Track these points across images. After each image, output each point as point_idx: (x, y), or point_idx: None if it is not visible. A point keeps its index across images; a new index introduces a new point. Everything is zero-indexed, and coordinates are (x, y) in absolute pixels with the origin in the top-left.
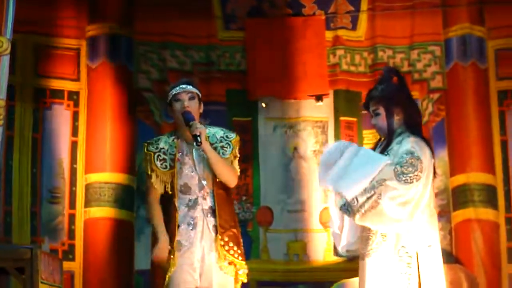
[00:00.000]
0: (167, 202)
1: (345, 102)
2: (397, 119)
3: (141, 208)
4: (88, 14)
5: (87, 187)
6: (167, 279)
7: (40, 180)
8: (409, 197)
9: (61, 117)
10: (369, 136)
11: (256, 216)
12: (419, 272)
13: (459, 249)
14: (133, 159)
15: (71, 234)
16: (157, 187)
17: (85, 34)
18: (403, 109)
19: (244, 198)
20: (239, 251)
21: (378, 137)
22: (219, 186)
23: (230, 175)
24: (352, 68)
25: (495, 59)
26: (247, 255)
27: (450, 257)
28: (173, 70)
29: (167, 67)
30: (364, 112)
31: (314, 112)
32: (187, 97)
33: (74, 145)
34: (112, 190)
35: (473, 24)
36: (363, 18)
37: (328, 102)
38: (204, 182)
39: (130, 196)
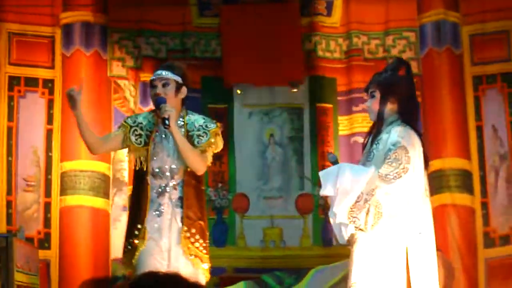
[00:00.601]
0: (139, 184)
1: (321, 89)
2: (390, 107)
3: (117, 196)
4: (62, 1)
5: (63, 175)
6: (136, 257)
7: (15, 169)
8: (403, 191)
9: (36, 105)
10: (345, 123)
11: (232, 203)
12: (407, 259)
13: (435, 235)
14: None
15: (47, 222)
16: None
17: (60, 22)
18: (399, 100)
19: (220, 185)
20: (204, 245)
21: (356, 123)
22: (190, 176)
23: (197, 163)
24: (328, 55)
25: (469, 44)
26: (223, 242)
27: None
28: (148, 57)
29: (141, 55)
30: (340, 98)
31: (290, 99)
32: (160, 84)
33: (49, 133)
34: (87, 178)
35: (447, 10)
36: (338, 4)
37: (303, 89)
38: (176, 171)
39: (106, 184)
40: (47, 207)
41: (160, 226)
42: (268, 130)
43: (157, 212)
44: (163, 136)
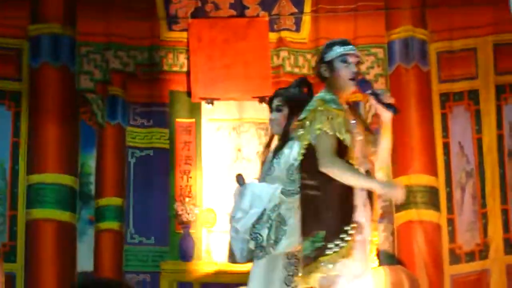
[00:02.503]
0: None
1: None
2: (294, 123)
3: (84, 209)
4: (30, 14)
5: (29, 188)
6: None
7: None
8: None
9: (2, 117)
10: None
11: (199, 217)
12: None
13: (401, 251)
14: (76, 160)
15: (13, 235)
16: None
17: (27, 34)
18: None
19: (187, 199)
20: None
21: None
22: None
23: (390, 152)
24: (296, 70)
25: (437, 61)
26: (190, 257)
27: (392, 259)
28: (116, 71)
29: (109, 68)
30: None
31: (258, 114)
32: (355, 61)
33: (15, 146)
34: (54, 191)
35: (415, 27)
36: (307, 20)
37: None
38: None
39: (73, 197)
40: (13, 220)
41: (368, 218)
42: (235, 145)
43: (365, 205)
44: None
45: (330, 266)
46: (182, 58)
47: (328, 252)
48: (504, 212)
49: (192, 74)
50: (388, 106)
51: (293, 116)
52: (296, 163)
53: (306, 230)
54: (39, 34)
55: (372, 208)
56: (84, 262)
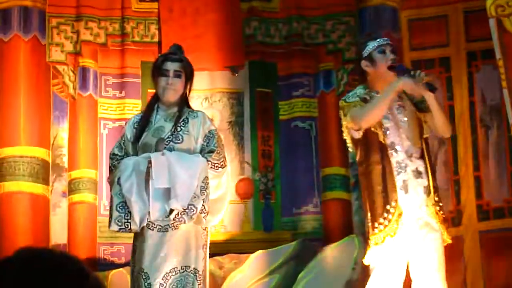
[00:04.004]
0: (382, 158)
1: (261, 74)
2: (185, 92)
3: (57, 181)
4: None
5: (1, 161)
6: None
7: None
8: (227, 180)
9: None
10: (285, 107)
11: None
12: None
13: None
14: (48, 132)
15: None
16: None
17: None
18: (190, 86)
19: None
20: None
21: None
22: (425, 144)
23: (447, 124)
24: (267, 39)
25: (408, 29)
26: None
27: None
28: (87, 42)
29: (80, 40)
30: (280, 83)
31: (230, 84)
32: (390, 49)
33: None
34: (26, 164)
35: None
36: None
37: (243, 73)
38: (410, 142)
39: (45, 170)
40: None
41: (407, 203)
42: (208, 115)
43: (403, 190)
44: (389, 112)
45: (375, 244)
46: (153, 29)
47: (375, 231)
48: (477, 179)
49: (163, 45)
50: (425, 85)
51: (188, 83)
52: (214, 136)
53: (364, 211)
54: (9, 7)
55: (430, 188)
56: (58, 234)
